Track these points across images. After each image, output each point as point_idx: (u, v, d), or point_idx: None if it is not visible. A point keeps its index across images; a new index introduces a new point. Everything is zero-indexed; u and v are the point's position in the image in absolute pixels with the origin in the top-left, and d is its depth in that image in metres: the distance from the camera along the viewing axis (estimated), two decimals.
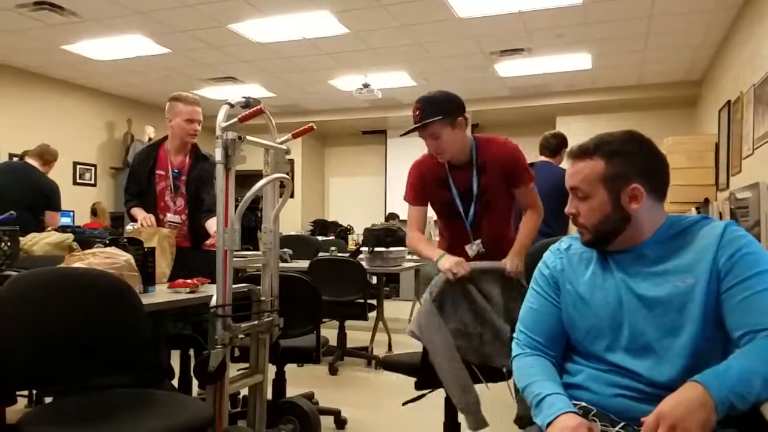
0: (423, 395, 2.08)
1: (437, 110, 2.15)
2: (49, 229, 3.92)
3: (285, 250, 4.66)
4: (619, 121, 7.97)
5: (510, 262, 2.11)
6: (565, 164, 4.29)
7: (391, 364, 2.41)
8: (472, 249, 2.30)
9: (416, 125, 2.18)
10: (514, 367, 1.32)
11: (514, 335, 1.38)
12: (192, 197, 3.03)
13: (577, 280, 1.29)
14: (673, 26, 5.39)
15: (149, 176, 3.04)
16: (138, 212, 2.98)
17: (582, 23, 5.33)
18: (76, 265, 1.93)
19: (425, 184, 2.34)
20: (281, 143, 2.18)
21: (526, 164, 2.31)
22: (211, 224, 2.85)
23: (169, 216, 3.00)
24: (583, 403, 1.19)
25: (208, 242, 2.90)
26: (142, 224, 2.81)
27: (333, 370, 4.12)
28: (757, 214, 2.23)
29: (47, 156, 4.44)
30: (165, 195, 3.02)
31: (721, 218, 3.15)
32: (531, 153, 4.31)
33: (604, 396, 1.19)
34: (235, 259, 1.93)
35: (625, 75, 7.17)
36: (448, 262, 2.04)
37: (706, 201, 4.85)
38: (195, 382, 2.52)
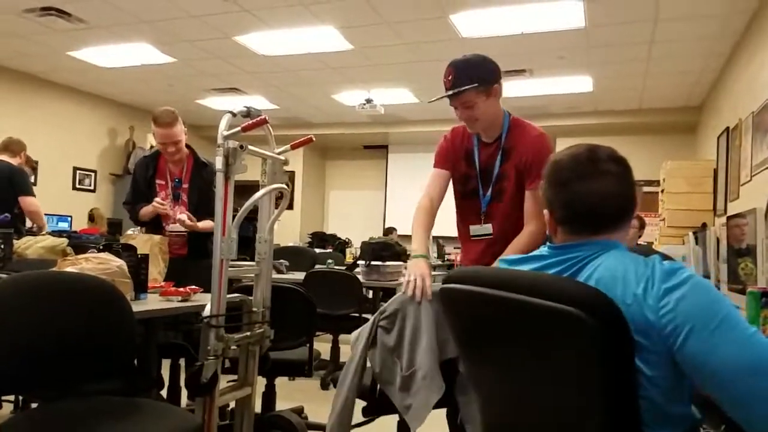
0: (371, 420, 1.88)
1: (473, 76, 1.96)
2: (44, 232, 3.91)
3: (281, 261, 4.65)
4: (619, 145, 7.82)
5: None
6: None
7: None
8: (478, 229, 2.15)
9: (449, 92, 1.99)
10: None
11: None
12: (194, 205, 3.02)
13: None
14: (674, 52, 5.43)
15: (149, 186, 3.03)
16: (147, 207, 2.97)
17: (584, 47, 5.38)
18: (68, 269, 1.92)
19: (451, 152, 2.18)
20: (279, 154, 2.18)
21: None
22: (208, 222, 2.81)
23: (171, 226, 2.97)
24: None
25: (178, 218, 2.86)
26: (158, 205, 2.87)
27: (325, 385, 4.08)
28: (753, 240, 2.23)
29: (13, 147, 4.35)
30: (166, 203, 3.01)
31: (718, 243, 3.14)
32: None
33: None
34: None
35: (625, 99, 7.21)
36: (412, 274, 1.74)
37: (704, 226, 4.85)
38: (184, 393, 2.49)
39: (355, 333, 1.84)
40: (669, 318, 0.91)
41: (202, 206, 2.97)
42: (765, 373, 0.86)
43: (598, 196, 1.08)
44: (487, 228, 2.14)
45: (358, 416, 1.86)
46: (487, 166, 2.14)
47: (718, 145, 5.63)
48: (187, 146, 3.11)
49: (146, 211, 2.94)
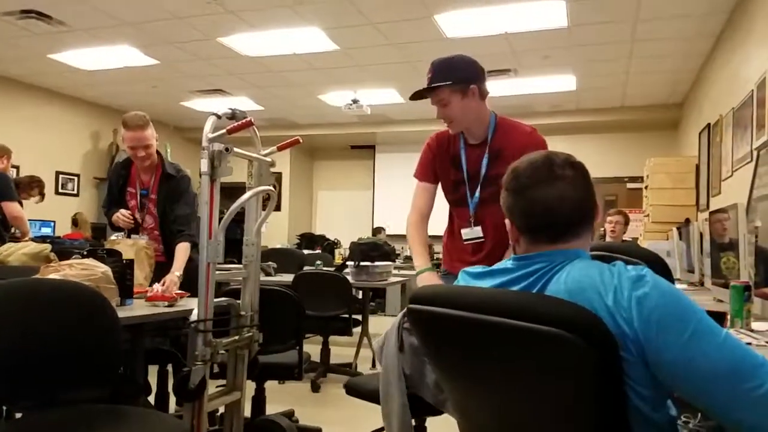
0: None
1: (448, 75, 1.97)
2: (27, 238, 3.86)
3: (269, 263, 4.63)
4: (603, 142, 8.08)
5: None
6: None
7: (354, 390, 2.10)
8: (468, 233, 2.13)
9: (422, 88, 2.00)
10: None
11: None
12: (162, 216, 2.93)
13: None
14: (656, 50, 5.49)
15: (121, 193, 2.98)
16: (117, 215, 2.90)
17: (567, 46, 5.42)
18: (51, 276, 1.89)
19: (436, 158, 2.16)
20: (266, 155, 2.17)
21: None
22: (179, 252, 2.69)
23: (135, 237, 2.87)
24: None
25: (155, 287, 2.46)
26: (121, 217, 2.79)
27: (315, 387, 4.07)
28: (734, 234, 2.26)
29: None
30: (135, 213, 2.94)
31: (701, 238, 3.18)
32: None
33: None
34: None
35: (608, 97, 7.28)
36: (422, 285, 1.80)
37: (687, 221, 4.91)
38: (173, 398, 2.47)
39: (378, 341, 1.79)
40: (642, 328, 0.90)
41: (166, 218, 2.88)
42: (742, 377, 0.87)
43: (554, 201, 1.06)
44: (477, 231, 2.13)
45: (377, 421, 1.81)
46: (475, 168, 2.12)
47: (699, 141, 5.70)
48: (158, 153, 3.02)
49: (116, 219, 2.88)
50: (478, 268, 1.19)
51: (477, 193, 2.12)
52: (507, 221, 1.14)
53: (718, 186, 4.81)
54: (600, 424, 0.90)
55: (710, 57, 5.49)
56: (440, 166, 2.17)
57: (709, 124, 5.30)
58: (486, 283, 1.13)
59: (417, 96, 2.04)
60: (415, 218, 2.15)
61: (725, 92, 4.74)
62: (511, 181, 1.12)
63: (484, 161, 2.10)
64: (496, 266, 1.14)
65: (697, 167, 5.70)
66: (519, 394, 1.00)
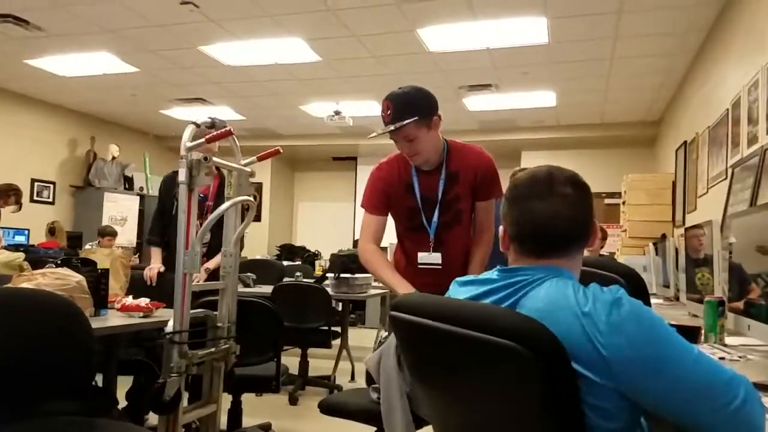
0: None
1: (413, 110, 1.98)
2: None
3: (248, 274, 4.58)
4: (582, 158, 8.20)
5: None
6: None
7: (335, 409, 1.98)
8: (425, 257, 2.13)
9: (390, 128, 2.00)
10: None
11: None
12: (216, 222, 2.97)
13: None
14: (634, 69, 5.61)
15: (173, 202, 2.95)
16: (153, 256, 3.16)
17: (547, 62, 5.51)
18: (24, 285, 1.85)
19: (390, 189, 2.15)
20: (245, 165, 2.16)
21: (498, 177, 2.18)
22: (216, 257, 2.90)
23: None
24: None
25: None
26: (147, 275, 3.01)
27: (293, 400, 4.02)
28: (709, 250, 2.30)
29: None
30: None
31: (677, 254, 3.23)
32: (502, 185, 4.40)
33: None
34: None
35: (587, 113, 7.40)
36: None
37: (663, 236, 4.99)
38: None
39: (371, 358, 1.75)
40: (618, 355, 0.90)
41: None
42: (719, 393, 0.89)
43: (547, 216, 1.07)
44: (436, 257, 2.13)
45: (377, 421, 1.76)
46: (432, 193, 2.13)
47: (676, 159, 5.82)
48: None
49: (145, 274, 3.07)
50: (466, 277, 1.20)
51: (436, 218, 2.13)
52: (501, 228, 1.16)
53: (694, 202, 4.91)
54: None
55: (688, 76, 5.62)
56: (395, 194, 2.16)
57: (685, 142, 5.42)
58: (467, 291, 1.14)
59: (381, 134, 2.06)
60: (372, 247, 2.12)
61: (702, 110, 4.85)
62: (510, 189, 1.14)
63: (441, 185, 2.12)
64: (483, 275, 1.15)
65: (674, 184, 5.81)
66: (478, 403, 1.01)
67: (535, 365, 0.87)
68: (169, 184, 3.13)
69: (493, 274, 1.13)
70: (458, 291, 1.18)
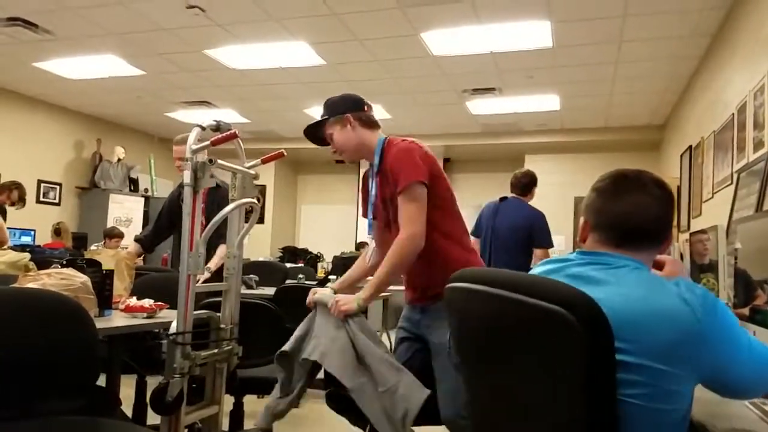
0: None
1: (326, 111, 2.14)
2: (6, 247, 3.79)
3: (251, 276, 4.59)
4: (586, 162, 8.19)
5: (333, 300, 1.94)
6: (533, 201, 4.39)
7: (342, 398, 1.93)
8: (367, 258, 2.19)
9: (310, 125, 2.17)
10: None
11: None
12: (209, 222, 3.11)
13: None
14: (639, 72, 5.60)
15: (178, 206, 3.21)
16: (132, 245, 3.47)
17: (551, 66, 5.51)
18: (30, 285, 1.86)
19: (364, 192, 2.22)
20: (249, 168, 2.17)
21: (408, 168, 1.90)
22: (220, 251, 3.03)
23: None
24: None
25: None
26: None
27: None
28: (715, 256, 2.29)
29: None
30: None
31: (681, 258, 3.22)
32: (502, 189, 4.39)
33: None
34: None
35: (592, 117, 7.39)
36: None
37: None
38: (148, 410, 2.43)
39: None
40: (710, 329, 1.00)
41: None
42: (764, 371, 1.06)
43: (637, 208, 1.14)
44: (374, 259, 2.14)
45: None
46: (369, 194, 2.15)
47: (681, 163, 5.80)
48: None
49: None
50: (545, 260, 1.27)
51: (370, 218, 2.15)
52: (582, 219, 1.22)
53: (699, 207, 4.89)
54: (590, 409, 0.94)
55: (693, 80, 5.61)
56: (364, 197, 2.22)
57: (690, 146, 5.40)
58: (541, 269, 1.21)
59: (311, 135, 2.19)
60: (372, 250, 2.20)
61: (707, 115, 4.83)
62: (601, 182, 1.20)
63: (374, 185, 2.10)
64: (560, 256, 1.23)
65: (679, 188, 5.79)
66: (520, 370, 1.06)
67: (582, 334, 0.91)
68: (176, 191, 3.36)
69: (570, 255, 1.20)
70: (533, 272, 1.25)
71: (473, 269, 1.24)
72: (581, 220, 1.22)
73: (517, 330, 1.04)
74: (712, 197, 4.43)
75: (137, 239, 3.55)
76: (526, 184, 4.17)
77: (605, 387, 0.94)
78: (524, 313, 0.99)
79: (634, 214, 1.14)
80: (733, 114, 3.90)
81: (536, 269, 1.24)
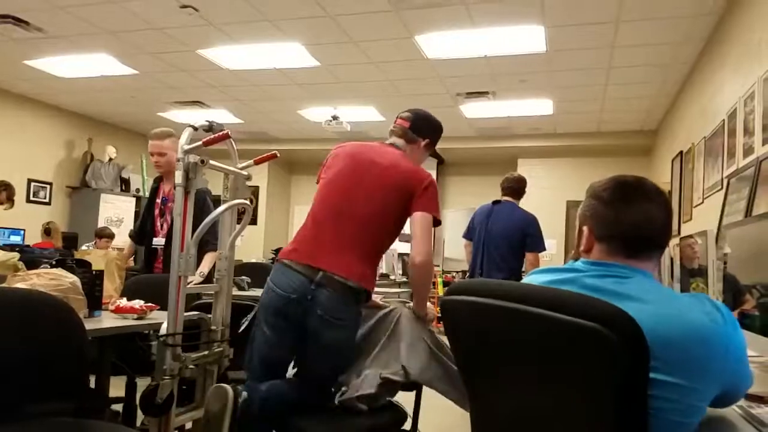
0: None
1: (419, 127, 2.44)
2: None
3: (243, 278, 4.57)
4: (578, 166, 8.24)
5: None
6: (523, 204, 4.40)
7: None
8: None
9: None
10: None
11: None
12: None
13: None
14: (631, 78, 5.64)
15: (152, 204, 3.39)
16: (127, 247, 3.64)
17: (545, 71, 5.53)
18: (18, 285, 1.84)
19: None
20: (242, 169, 2.16)
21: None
22: (207, 258, 3.03)
23: (155, 240, 3.27)
24: None
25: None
26: None
27: None
28: (704, 260, 2.31)
29: None
30: (157, 220, 3.33)
31: (671, 263, 3.24)
32: (495, 192, 4.40)
33: None
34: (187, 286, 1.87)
35: (584, 122, 7.43)
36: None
37: None
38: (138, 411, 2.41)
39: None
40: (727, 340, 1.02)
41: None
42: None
43: (645, 217, 1.13)
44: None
45: None
46: None
47: (672, 168, 5.84)
48: None
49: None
50: (544, 267, 1.24)
51: None
52: (585, 228, 1.18)
53: (689, 212, 4.92)
54: (620, 428, 0.93)
55: (684, 86, 5.66)
56: None
57: (681, 152, 5.44)
58: (543, 278, 1.17)
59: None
60: None
61: (698, 121, 4.87)
62: (603, 190, 1.17)
63: None
64: (565, 266, 1.19)
65: (670, 193, 5.83)
66: (546, 386, 1.03)
67: (619, 351, 0.90)
68: (153, 185, 3.44)
69: (576, 264, 1.17)
70: (533, 279, 1.21)
71: (485, 281, 1.23)
72: (584, 230, 1.18)
73: (544, 347, 1.00)
74: (703, 202, 4.46)
75: (130, 235, 3.69)
76: (519, 187, 4.20)
77: (638, 405, 0.93)
78: (554, 329, 0.96)
79: (643, 223, 1.13)
80: (723, 120, 3.93)
81: (537, 278, 1.20)
